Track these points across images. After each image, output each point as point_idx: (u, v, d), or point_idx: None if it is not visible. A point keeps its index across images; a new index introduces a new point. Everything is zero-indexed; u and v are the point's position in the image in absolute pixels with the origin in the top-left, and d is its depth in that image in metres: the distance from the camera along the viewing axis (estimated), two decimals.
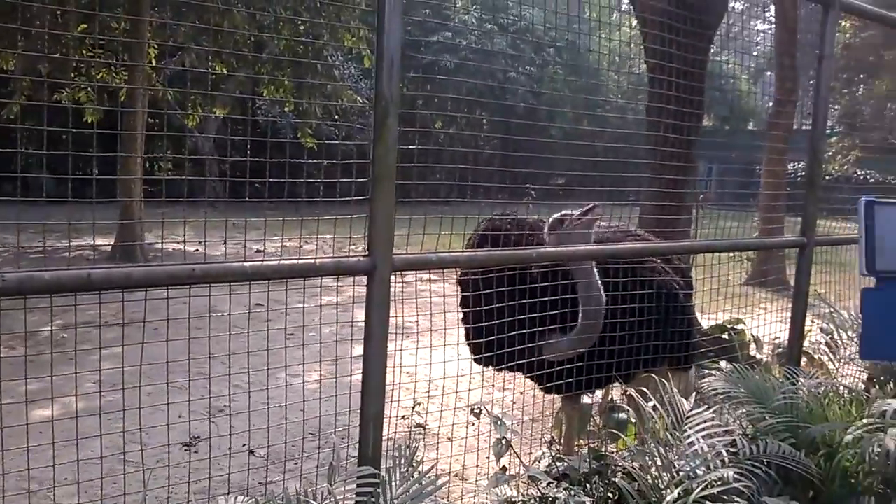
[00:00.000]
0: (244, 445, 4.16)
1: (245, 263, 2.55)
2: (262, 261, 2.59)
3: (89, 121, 12.52)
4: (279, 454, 3.76)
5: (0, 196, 3.57)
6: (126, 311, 2.52)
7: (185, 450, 4.51)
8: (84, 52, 12.48)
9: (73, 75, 13.10)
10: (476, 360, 4.02)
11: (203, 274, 2.48)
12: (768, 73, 10.13)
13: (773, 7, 10.11)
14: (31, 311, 2.28)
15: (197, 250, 7.88)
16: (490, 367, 4.09)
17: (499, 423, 3.09)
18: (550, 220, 3.88)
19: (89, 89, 13.17)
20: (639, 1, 6.10)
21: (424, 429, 3.78)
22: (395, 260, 2.78)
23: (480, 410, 3.26)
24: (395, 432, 3.08)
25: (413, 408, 3.70)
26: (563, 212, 3.85)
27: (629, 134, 7.94)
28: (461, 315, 4.09)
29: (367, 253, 2.75)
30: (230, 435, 3.13)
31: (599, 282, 3.74)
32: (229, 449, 3.16)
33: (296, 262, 2.64)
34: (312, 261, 2.66)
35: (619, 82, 6.11)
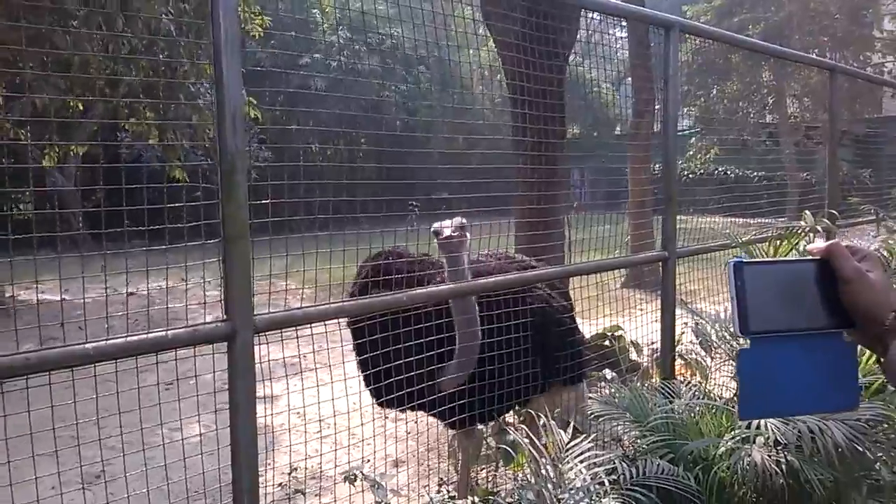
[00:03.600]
0: None
1: (87, 345, 2.35)
2: (107, 339, 2.40)
3: None
4: None
5: None
6: None
7: None
8: None
9: None
10: (378, 404, 3.98)
11: (40, 362, 2.27)
12: (629, 80, 10.51)
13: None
14: None
15: (64, 298, 7.33)
16: (392, 409, 4.07)
17: (376, 486, 3.00)
18: (434, 231, 3.86)
19: None
20: (492, 25, 6.21)
21: (304, 494, 3.63)
22: (256, 321, 2.64)
23: (356, 476, 3.16)
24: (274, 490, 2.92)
25: (290, 474, 3.54)
26: (443, 224, 3.85)
27: (501, 147, 8.07)
28: (357, 361, 4.04)
29: (224, 317, 2.60)
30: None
31: (476, 310, 3.78)
32: None
33: (145, 336, 2.46)
34: (164, 333, 2.49)
35: (489, 97, 6.17)
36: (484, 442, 4.88)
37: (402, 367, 3.46)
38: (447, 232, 3.78)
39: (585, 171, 12.40)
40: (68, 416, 2.58)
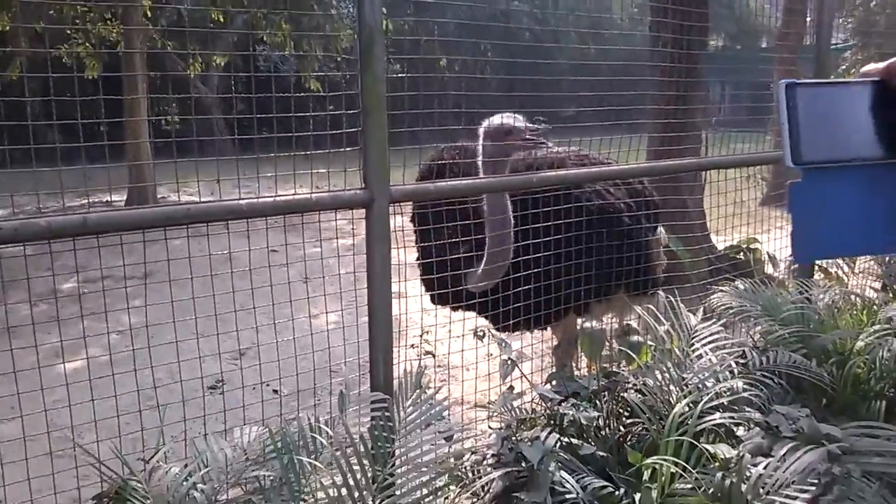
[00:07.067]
0: (268, 385, 4.16)
1: (241, 201, 2.54)
2: (258, 197, 2.58)
3: (91, 77, 12.39)
4: (302, 393, 3.78)
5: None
6: (143, 261, 2.53)
7: (211, 393, 4.53)
8: (78, 7, 12.28)
9: (69, 32, 12.95)
10: (431, 299, 3.76)
11: (199, 213, 2.48)
12: None
13: None
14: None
15: (209, 200, 7.84)
16: (443, 307, 3.81)
17: (503, 344, 3.11)
18: (490, 126, 3.40)
19: (88, 44, 13.02)
20: None
21: (434, 356, 3.80)
22: (392, 191, 2.76)
23: (484, 333, 3.27)
24: (407, 360, 3.10)
25: (421, 336, 3.71)
26: (505, 120, 3.39)
27: (635, 58, 7.75)
28: (416, 253, 3.85)
29: (363, 186, 2.73)
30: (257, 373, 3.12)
31: (511, 212, 3.41)
32: (253, 389, 3.17)
33: (291, 197, 2.63)
34: (309, 196, 2.66)
35: (623, 4, 5.92)
36: (605, 343, 4.89)
37: (445, 264, 3.29)
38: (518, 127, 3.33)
39: (726, 86, 11.72)
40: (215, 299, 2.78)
